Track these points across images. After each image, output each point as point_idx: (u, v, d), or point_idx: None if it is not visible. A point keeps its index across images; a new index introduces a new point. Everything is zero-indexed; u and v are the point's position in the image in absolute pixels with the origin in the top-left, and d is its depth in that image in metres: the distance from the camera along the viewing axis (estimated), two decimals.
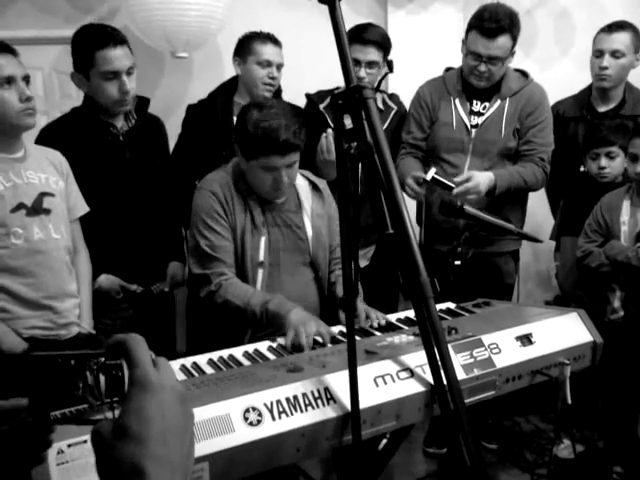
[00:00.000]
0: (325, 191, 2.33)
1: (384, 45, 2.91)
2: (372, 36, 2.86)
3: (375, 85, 2.91)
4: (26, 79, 2.03)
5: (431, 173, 2.59)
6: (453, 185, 2.59)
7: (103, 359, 0.69)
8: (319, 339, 1.88)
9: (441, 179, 2.59)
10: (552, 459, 2.77)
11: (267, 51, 2.91)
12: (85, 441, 1.19)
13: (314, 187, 2.30)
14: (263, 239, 2.14)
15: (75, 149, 2.38)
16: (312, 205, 2.26)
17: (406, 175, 2.79)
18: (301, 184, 2.27)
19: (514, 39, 2.74)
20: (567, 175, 3.19)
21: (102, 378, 0.69)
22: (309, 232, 2.24)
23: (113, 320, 2.52)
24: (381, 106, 3.07)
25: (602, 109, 3.18)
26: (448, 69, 3.03)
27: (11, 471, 0.80)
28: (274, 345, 1.90)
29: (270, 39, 2.94)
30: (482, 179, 2.66)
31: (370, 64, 2.87)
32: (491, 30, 2.67)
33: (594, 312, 2.70)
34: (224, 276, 2.10)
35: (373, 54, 2.86)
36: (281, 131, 1.99)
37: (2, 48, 2.00)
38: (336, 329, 1.99)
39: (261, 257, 2.13)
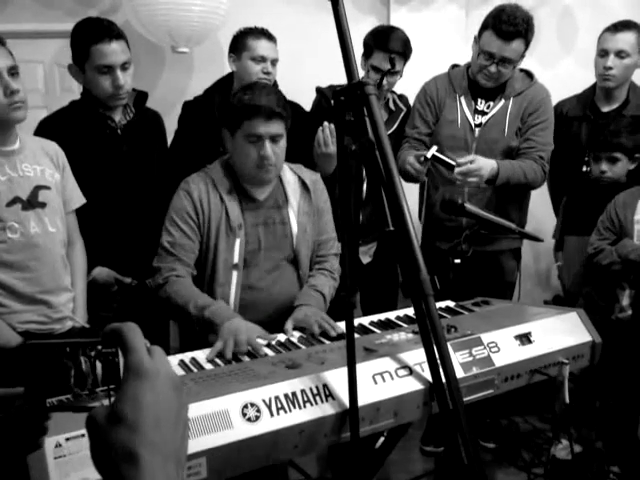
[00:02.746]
0: (314, 184, 2.32)
1: (408, 54, 2.89)
2: (397, 47, 2.83)
3: (378, 82, 2.89)
4: (12, 70, 1.97)
5: (432, 150, 2.56)
6: (454, 163, 2.57)
7: (99, 347, 0.69)
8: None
9: (442, 157, 2.56)
10: (549, 459, 2.77)
11: (261, 46, 2.90)
12: (83, 435, 1.19)
13: (303, 183, 2.29)
14: (238, 241, 2.13)
15: (73, 142, 2.38)
16: (299, 202, 2.26)
17: (406, 159, 2.77)
18: (289, 180, 2.27)
19: (527, 44, 2.72)
20: (570, 174, 3.18)
21: (98, 366, 0.69)
22: (294, 228, 2.23)
23: (107, 312, 2.52)
24: (392, 107, 3.07)
25: (606, 109, 3.17)
26: (454, 66, 3.02)
27: (8, 457, 0.81)
28: (272, 342, 1.90)
29: (264, 34, 2.93)
30: (485, 164, 2.65)
31: (393, 73, 2.87)
32: (508, 33, 2.64)
33: (602, 310, 2.70)
34: (174, 272, 2.11)
35: (397, 64, 2.84)
36: (263, 97, 2.05)
37: None
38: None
39: (235, 259, 2.13)
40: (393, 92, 3.11)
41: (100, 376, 0.70)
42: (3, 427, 0.78)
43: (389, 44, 2.82)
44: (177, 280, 2.09)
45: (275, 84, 3.03)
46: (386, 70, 2.80)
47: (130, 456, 0.60)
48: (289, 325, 2.02)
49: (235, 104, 2.07)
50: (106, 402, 0.68)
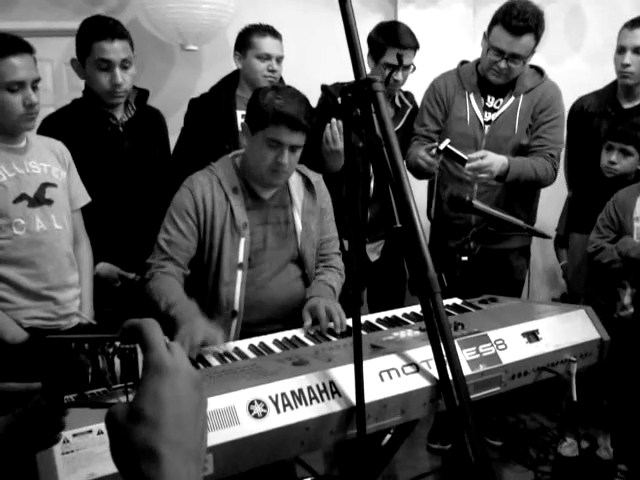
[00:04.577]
0: (318, 185, 2.31)
1: (418, 45, 2.90)
2: (408, 41, 2.84)
3: (385, 78, 2.89)
4: (35, 83, 2.02)
5: (445, 143, 2.55)
6: (466, 158, 2.56)
7: (118, 343, 0.69)
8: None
9: (455, 150, 2.55)
10: (556, 457, 2.76)
11: (266, 44, 2.90)
12: (90, 431, 1.20)
13: (307, 183, 2.29)
14: (243, 240, 2.13)
15: (75, 139, 2.40)
16: (303, 201, 2.26)
17: (417, 153, 2.76)
18: (294, 180, 2.27)
19: (537, 39, 2.70)
20: (587, 170, 3.15)
21: (117, 362, 0.69)
22: (299, 228, 2.23)
23: (109, 307, 2.53)
24: (399, 104, 3.07)
25: (627, 105, 3.12)
26: (463, 62, 3.00)
27: (25, 452, 0.81)
28: (279, 338, 1.90)
29: (269, 32, 2.93)
30: (496, 160, 2.64)
31: (406, 67, 2.87)
32: (518, 28, 2.62)
33: (603, 308, 2.69)
34: (162, 269, 2.10)
35: (409, 57, 2.85)
36: (294, 106, 2.03)
37: (21, 47, 1.97)
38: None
39: (240, 258, 2.12)
40: (399, 89, 3.11)
41: (118, 372, 0.70)
42: (21, 422, 0.78)
43: (401, 40, 2.82)
44: (160, 276, 2.08)
45: (281, 81, 3.03)
46: (397, 65, 2.80)
47: (151, 453, 0.60)
48: (307, 320, 2.01)
49: (265, 104, 2.04)
50: (123, 399, 0.68)
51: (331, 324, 1.97)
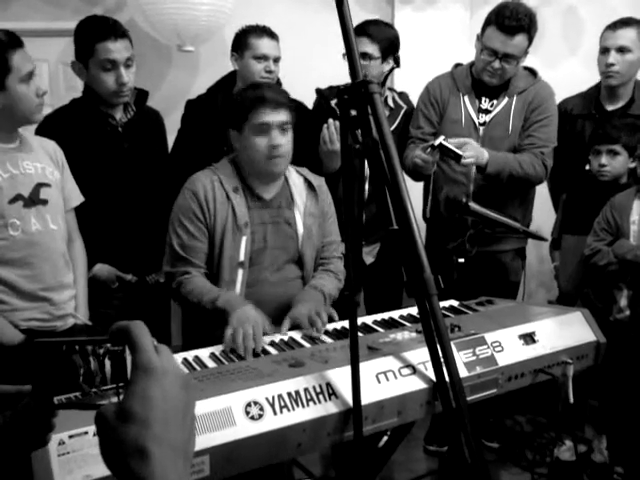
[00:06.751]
0: (320, 188, 2.31)
1: (379, 38, 2.87)
2: (368, 29, 2.85)
3: (380, 80, 2.89)
4: (32, 73, 2.02)
5: (440, 139, 2.55)
6: (461, 153, 2.56)
7: (108, 345, 0.70)
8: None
9: (449, 146, 2.54)
10: (553, 461, 2.76)
11: (263, 45, 2.90)
12: (86, 432, 1.19)
13: (309, 185, 2.29)
14: (244, 239, 2.12)
15: (74, 139, 2.41)
16: (305, 203, 2.25)
17: (414, 154, 2.75)
18: (296, 181, 2.26)
19: (530, 39, 2.71)
20: (572, 172, 3.17)
21: (107, 363, 0.70)
22: (300, 229, 2.23)
23: (107, 309, 2.52)
24: (392, 104, 3.06)
25: (610, 107, 3.15)
26: (457, 65, 3.01)
27: (14, 454, 0.82)
28: (276, 340, 1.90)
29: (266, 32, 2.92)
30: (475, 146, 2.64)
31: (362, 55, 2.83)
32: (511, 28, 2.64)
33: (600, 311, 2.70)
34: (186, 275, 2.11)
35: (365, 45, 2.83)
36: (267, 90, 2.10)
37: (18, 42, 1.97)
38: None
39: (241, 257, 2.12)
40: (393, 90, 3.10)
41: (109, 374, 0.71)
42: (11, 424, 0.79)
43: (362, 26, 2.87)
44: (189, 280, 2.10)
45: (278, 82, 3.03)
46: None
47: (140, 452, 0.62)
48: (285, 326, 2.01)
49: (241, 98, 2.09)
50: (114, 399, 0.69)
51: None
